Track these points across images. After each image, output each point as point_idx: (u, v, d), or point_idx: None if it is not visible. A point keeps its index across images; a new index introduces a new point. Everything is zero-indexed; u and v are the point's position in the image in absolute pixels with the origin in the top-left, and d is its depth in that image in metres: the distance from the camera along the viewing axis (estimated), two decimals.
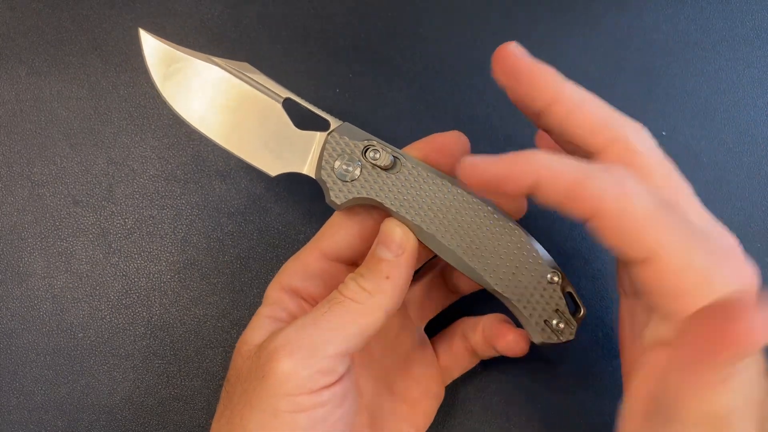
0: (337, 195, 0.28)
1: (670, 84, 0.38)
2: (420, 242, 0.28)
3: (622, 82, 0.38)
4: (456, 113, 0.38)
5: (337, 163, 0.28)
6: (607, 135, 0.23)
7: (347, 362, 0.26)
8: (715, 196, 0.37)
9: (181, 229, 0.36)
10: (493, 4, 0.39)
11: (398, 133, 0.37)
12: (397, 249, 0.27)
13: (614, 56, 0.39)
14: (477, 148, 0.37)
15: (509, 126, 0.38)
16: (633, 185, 0.21)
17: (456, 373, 0.33)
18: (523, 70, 0.24)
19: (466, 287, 0.32)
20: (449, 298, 0.34)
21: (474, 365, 0.33)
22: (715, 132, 0.38)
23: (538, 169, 0.22)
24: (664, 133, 0.37)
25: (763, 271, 0.37)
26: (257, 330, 0.28)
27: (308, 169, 0.29)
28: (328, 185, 0.28)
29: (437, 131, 0.38)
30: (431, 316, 0.34)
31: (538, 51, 0.37)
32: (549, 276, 0.28)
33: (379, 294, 0.26)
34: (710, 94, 0.38)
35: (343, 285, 0.27)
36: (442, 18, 0.39)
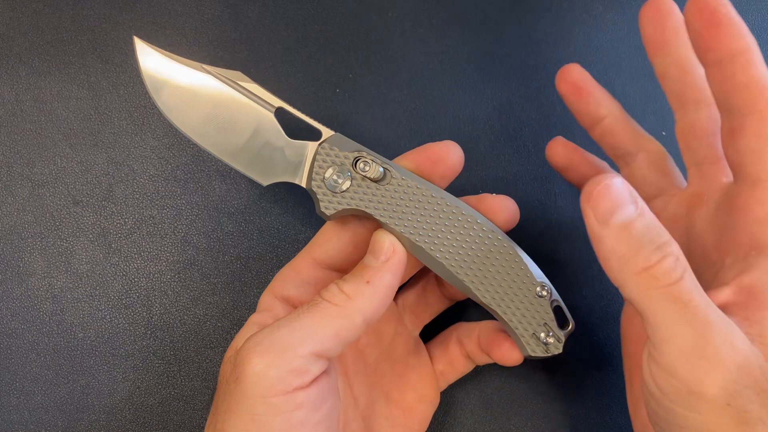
0: (326, 206, 0.28)
1: None
2: (410, 253, 0.28)
3: (621, 82, 0.38)
4: (456, 113, 0.38)
5: (327, 174, 0.28)
6: None
7: (322, 364, 0.25)
8: None
9: (181, 229, 0.36)
10: (493, 3, 0.39)
11: (398, 133, 0.37)
12: (383, 257, 0.27)
13: (614, 56, 0.39)
14: (477, 148, 0.38)
15: (509, 126, 0.38)
16: None
17: (451, 378, 0.33)
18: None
19: (461, 293, 0.32)
20: (444, 303, 0.34)
21: (470, 370, 0.33)
22: None
23: (752, 42, 0.23)
24: (663, 133, 0.37)
25: None
26: (244, 336, 0.28)
27: (299, 179, 0.29)
28: (318, 196, 0.28)
29: (437, 132, 0.38)
30: (426, 322, 0.34)
31: (538, 51, 0.37)
32: (537, 289, 0.28)
33: (358, 297, 0.26)
34: None
35: (324, 289, 0.27)
36: (441, 18, 0.39)
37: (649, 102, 0.38)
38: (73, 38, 0.38)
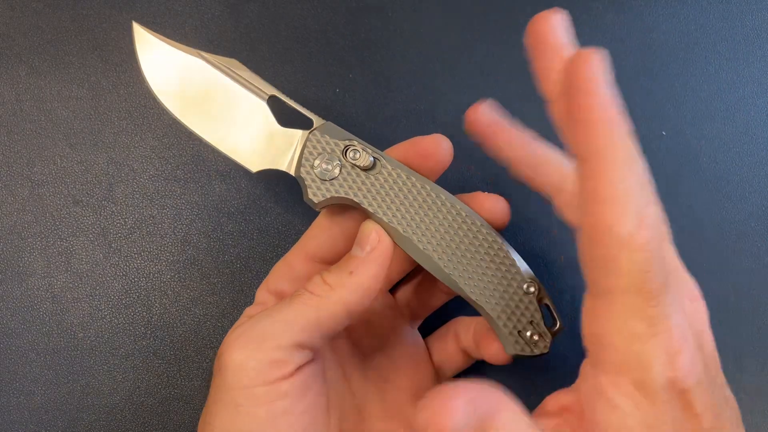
0: (314, 193, 0.28)
1: (670, 84, 0.38)
2: (398, 245, 0.28)
3: (621, 82, 0.38)
4: (456, 113, 0.38)
5: (317, 162, 0.28)
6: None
7: (305, 355, 0.25)
8: (715, 196, 0.37)
9: (181, 228, 0.36)
10: (493, 4, 0.39)
11: (398, 133, 0.37)
12: (368, 248, 0.27)
13: (614, 56, 0.39)
14: (477, 148, 0.38)
15: None
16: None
17: (450, 373, 0.33)
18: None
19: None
20: (442, 298, 0.34)
21: (468, 365, 0.33)
22: (715, 132, 0.38)
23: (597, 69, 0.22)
24: (664, 133, 0.37)
25: (763, 270, 0.37)
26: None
27: (288, 166, 0.29)
28: (306, 183, 0.28)
29: (437, 132, 0.38)
30: (425, 316, 0.34)
31: None
32: (525, 286, 0.28)
33: (340, 288, 0.26)
34: (710, 94, 0.38)
35: (309, 280, 0.27)
36: (441, 18, 0.39)
37: (649, 102, 0.38)
38: (73, 38, 0.38)
